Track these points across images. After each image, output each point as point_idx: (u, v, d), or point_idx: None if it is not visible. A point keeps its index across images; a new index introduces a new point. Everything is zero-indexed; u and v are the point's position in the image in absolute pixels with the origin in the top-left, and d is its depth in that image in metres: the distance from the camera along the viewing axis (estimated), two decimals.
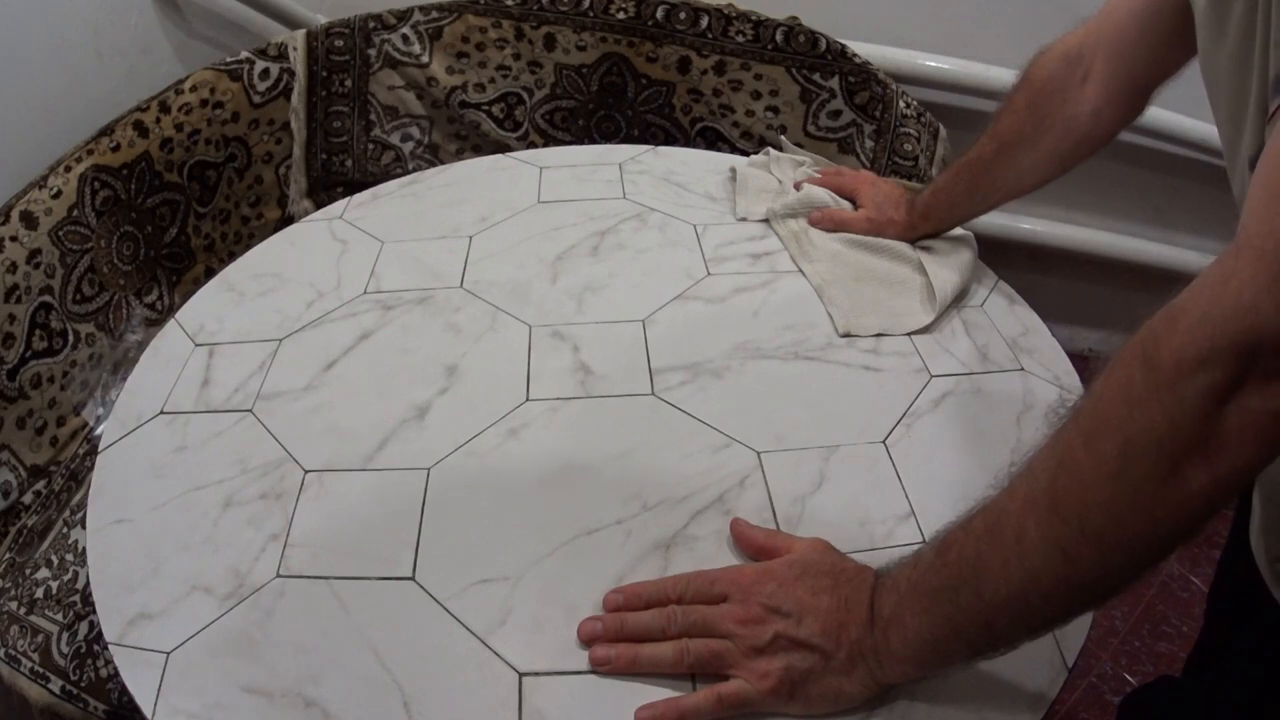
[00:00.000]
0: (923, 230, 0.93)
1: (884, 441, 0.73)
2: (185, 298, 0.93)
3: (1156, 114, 1.38)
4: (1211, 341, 0.38)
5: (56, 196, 1.07)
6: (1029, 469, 0.45)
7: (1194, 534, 0.41)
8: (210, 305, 0.90)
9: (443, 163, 1.41)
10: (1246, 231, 0.39)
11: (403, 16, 1.44)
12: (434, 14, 1.44)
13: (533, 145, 1.50)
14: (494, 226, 1.01)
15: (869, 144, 1.37)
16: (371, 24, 1.43)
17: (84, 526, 0.70)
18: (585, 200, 1.05)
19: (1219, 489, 0.39)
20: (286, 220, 1.40)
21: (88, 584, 0.75)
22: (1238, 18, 0.49)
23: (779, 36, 1.36)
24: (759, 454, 0.71)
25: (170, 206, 1.25)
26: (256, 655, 0.58)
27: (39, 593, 0.93)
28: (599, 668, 0.56)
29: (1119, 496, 0.41)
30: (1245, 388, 0.38)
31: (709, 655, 0.54)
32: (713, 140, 1.46)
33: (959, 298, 0.89)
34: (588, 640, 0.58)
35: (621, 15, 1.40)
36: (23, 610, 0.91)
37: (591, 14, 1.41)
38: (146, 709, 0.55)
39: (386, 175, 1.45)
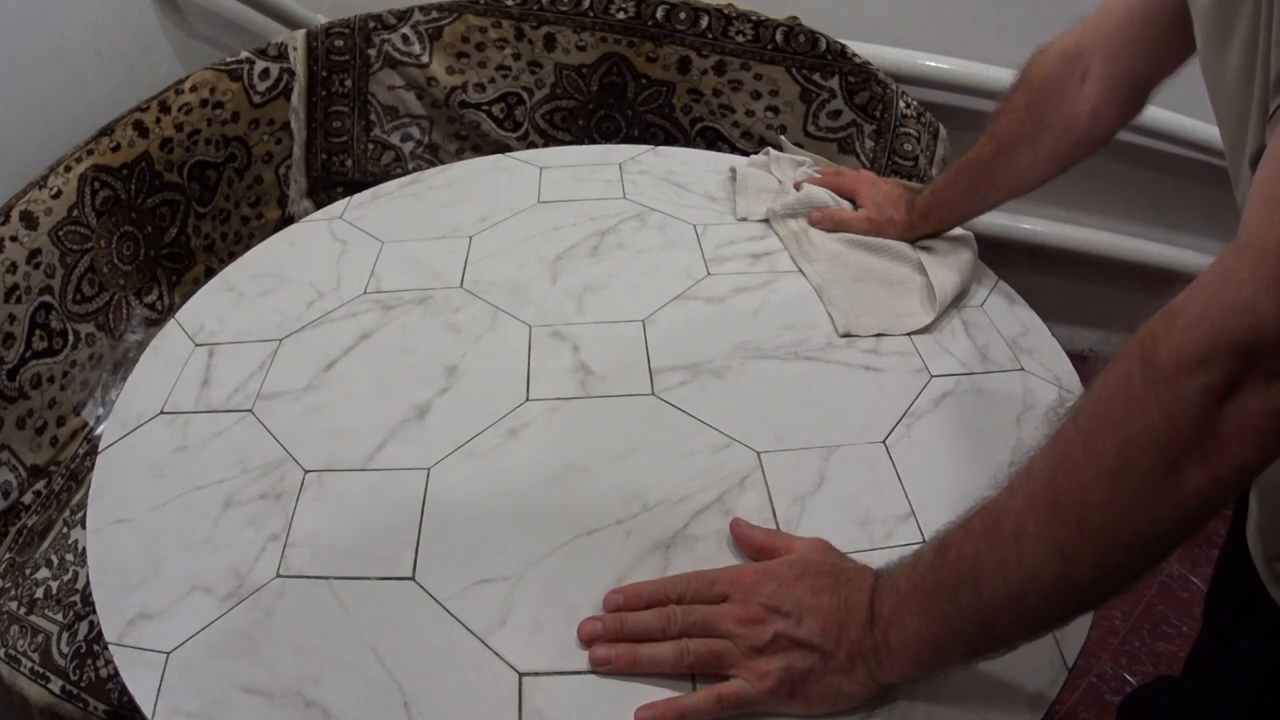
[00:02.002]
0: (923, 230, 0.93)
1: (884, 441, 0.73)
2: (185, 298, 0.93)
3: (1156, 114, 1.38)
4: (1210, 340, 0.38)
5: (56, 196, 1.07)
6: (1028, 468, 0.45)
7: (1193, 534, 0.41)
8: (210, 305, 0.90)
9: (443, 163, 1.41)
10: (1247, 231, 0.39)
11: (403, 16, 1.44)
12: (434, 14, 1.44)
13: (533, 145, 1.50)
14: (494, 226, 1.01)
15: (869, 144, 1.37)
16: (371, 24, 1.43)
17: (84, 526, 0.70)
18: (585, 200, 1.05)
19: (1218, 488, 0.39)
20: (286, 220, 1.39)
21: (88, 584, 0.75)
22: (1244, 21, 0.49)
23: (779, 36, 1.36)
24: (759, 454, 0.71)
25: (170, 206, 1.25)
26: (256, 655, 0.58)
27: (39, 593, 0.93)
28: (599, 668, 0.56)
29: (1118, 496, 0.41)
30: (1244, 387, 0.38)
31: (709, 655, 0.54)
32: (713, 140, 1.46)
33: (959, 298, 0.89)
34: (588, 640, 0.58)
35: (621, 15, 1.40)
36: (23, 610, 0.91)
37: (591, 14, 1.41)
38: (146, 709, 0.55)
39: (386, 175, 1.45)
